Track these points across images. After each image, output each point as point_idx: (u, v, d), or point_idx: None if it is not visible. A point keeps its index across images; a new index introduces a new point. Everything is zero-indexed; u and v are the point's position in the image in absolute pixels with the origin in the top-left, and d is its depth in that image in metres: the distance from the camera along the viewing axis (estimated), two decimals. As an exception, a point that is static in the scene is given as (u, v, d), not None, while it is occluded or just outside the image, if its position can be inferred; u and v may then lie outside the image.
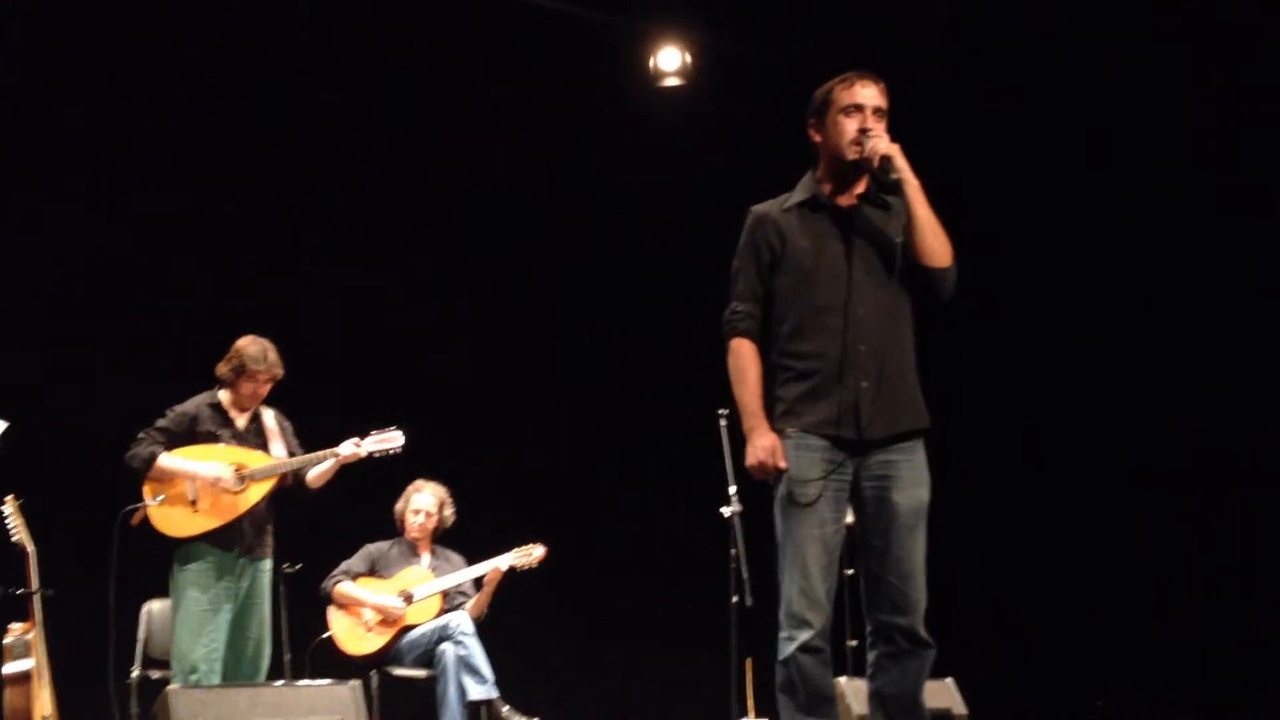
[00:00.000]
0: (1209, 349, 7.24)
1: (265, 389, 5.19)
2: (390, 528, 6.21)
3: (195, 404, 5.18)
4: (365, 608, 5.89)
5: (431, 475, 6.21)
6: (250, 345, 5.15)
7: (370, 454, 5.26)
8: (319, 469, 5.26)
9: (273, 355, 5.15)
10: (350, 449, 5.22)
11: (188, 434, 5.11)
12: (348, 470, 5.36)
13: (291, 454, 5.25)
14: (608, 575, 7.41)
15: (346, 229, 7.49)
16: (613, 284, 7.77)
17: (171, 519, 5.01)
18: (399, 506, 6.18)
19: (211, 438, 5.13)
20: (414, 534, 6.11)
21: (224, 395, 5.21)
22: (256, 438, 5.22)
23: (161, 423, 5.11)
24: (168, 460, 5.01)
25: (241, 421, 5.21)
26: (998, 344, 7.59)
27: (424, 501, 6.12)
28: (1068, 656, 7.48)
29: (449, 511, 6.19)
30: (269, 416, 5.27)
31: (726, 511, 5.83)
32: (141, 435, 5.08)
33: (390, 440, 5.29)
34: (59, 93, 6.92)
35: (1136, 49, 7.11)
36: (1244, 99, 6.93)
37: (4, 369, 6.34)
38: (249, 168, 7.24)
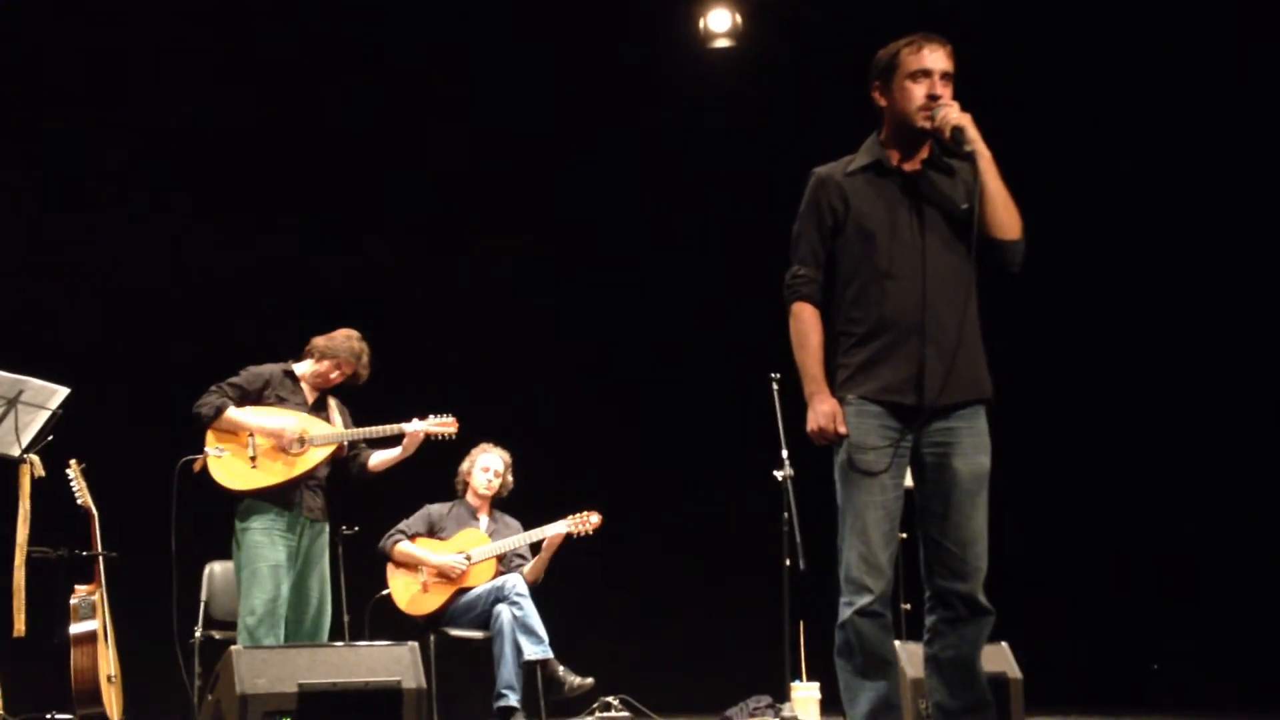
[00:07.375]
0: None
1: (337, 381, 5.36)
2: (448, 492, 6.26)
3: (270, 368, 5.33)
4: (424, 566, 5.94)
5: (491, 441, 6.25)
6: (355, 340, 5.35)
7: (428, 434, 5.42)
8: (381, 456, 5.43)
9: (366, 359, 5.36)
10: (414, 425, 5.37)
11: (256, 395, 5.25)
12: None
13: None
14: (661, 539, 7.44)
15: (403, 204, 7.51)
16: (664, 247, 7.75)
17: (230, 471, 5.13)
18: (464, 467, 6.21)
19: (280, 402, 5.28)
20: (481, 493, 6.16)
21: (301, 367, 5.37)
22: (319, 413, 5.36)
23: (234, 379, 5.25)
24: (235, 413, 5.15)
25: (310, 397, 5.37)
26: (1060, 309, 7.50)
27: (492, 461, 6.17)
28: (1123, 621, 7.43)
29: (510, 477, 6.23)
30: (332, 402, 5.45)
31: (779, 475, 5.85)
32: (214, 388, 5.20)
33: (446, 425, 5.45)
34: (148, 91, 6.97)
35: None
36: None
37: (67, 335, 6.43)
38: (314, 149, 7.26)
